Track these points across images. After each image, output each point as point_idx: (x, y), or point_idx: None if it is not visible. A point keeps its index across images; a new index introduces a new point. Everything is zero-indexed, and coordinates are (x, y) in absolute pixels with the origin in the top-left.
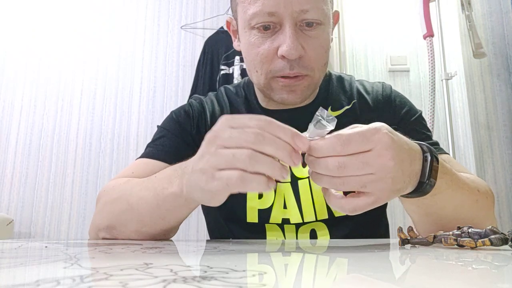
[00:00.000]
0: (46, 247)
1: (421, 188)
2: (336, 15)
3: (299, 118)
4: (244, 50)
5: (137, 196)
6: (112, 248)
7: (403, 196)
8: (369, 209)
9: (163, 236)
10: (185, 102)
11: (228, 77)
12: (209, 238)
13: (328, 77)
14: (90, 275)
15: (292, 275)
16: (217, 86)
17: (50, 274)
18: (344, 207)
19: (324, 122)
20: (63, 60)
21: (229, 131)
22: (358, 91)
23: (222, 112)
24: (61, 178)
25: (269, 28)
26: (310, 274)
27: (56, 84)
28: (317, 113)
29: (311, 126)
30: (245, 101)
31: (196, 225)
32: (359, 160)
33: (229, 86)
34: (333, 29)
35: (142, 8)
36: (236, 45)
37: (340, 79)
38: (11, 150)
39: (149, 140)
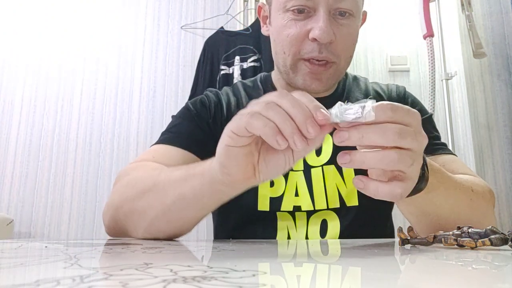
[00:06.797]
0: (46, 247)
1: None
2: (364, 15)
3: None
4: (275, 32)
5: (166, 177)
6: (112, 248)
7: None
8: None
9: (173, 236)
10: (185, 102)
11: (228, 77)
12: (209, 238)
13: (345, 76)
14: (90, 275)
15: (292, 274)
16: (217, 86)
17: (50, 274)
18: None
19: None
20: (63, 60)
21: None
22: (374, 89)
23: (239, 103)
24: (61, 178)
25: (303, 12)
26: (310, 274)
27: (56, 84)
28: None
29: (339, 108)
30: (263, 93)
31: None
32: (411, 130)
33: (245, 81)
34: (360, 27)
35: (142, 8)
36: (264, 30)
37: (355, 78)
38: (11, 150)
39: (149, 140)
